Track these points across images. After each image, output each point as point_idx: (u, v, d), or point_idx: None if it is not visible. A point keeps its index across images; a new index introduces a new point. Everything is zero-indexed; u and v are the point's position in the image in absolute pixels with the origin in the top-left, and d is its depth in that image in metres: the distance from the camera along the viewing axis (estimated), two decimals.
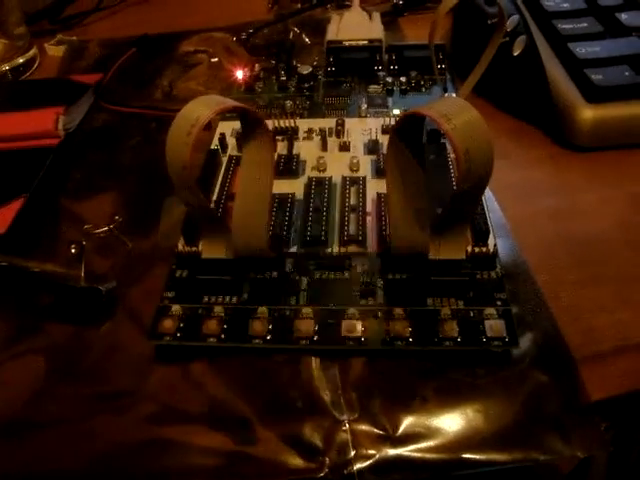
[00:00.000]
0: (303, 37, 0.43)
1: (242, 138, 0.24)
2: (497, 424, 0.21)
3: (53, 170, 0.33)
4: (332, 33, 0.39)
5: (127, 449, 0.21)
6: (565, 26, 0.34)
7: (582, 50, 0.33)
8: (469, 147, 0.18)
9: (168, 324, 0.24)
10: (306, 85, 0.37)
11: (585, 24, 0.35)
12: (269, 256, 0.24)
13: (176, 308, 0.24)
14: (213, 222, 0.24)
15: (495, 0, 0.28)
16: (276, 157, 0.31)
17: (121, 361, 0.24)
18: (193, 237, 0.26)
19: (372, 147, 0.31)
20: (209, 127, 0.35)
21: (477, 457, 0.20)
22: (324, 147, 0.32)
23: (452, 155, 0.29)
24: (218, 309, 0.24)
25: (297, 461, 0.20)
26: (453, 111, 0.19)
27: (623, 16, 0.35)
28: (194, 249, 0.26)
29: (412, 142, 0.21)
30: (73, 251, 0.27)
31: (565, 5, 0.36)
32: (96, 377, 0.24)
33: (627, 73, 0.32)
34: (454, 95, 0.34)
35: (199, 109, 0.20)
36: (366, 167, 0.30)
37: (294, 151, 0.31)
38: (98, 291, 0.26)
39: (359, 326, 0.23)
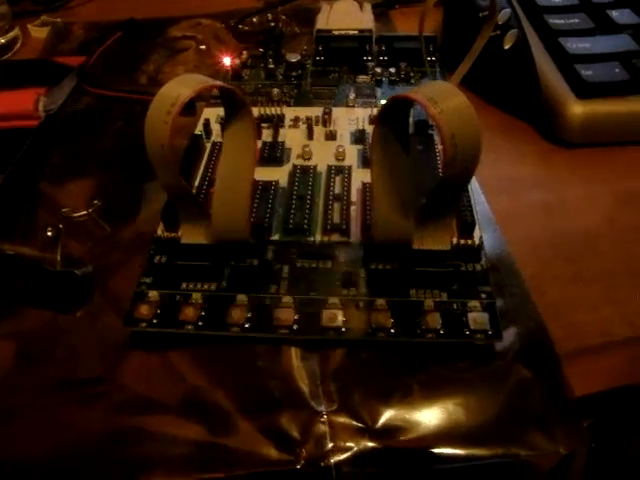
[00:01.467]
0: (293, 26, 0.43)
1: (224, 121, 0.23)
2: (478, 418, 0.21)
3: (32, 152, 0.33)
4: (322, 22, 0.39)
5: (99, 438, 0.21)
6: (556, 21, 0.34)
7: (573, 45, 0.33)
8: (455, 132, 0.18)
9: (144, 310, 0.23)
10: (294, 73, 0.37)
11: (576, 20, 0.34)
12: (249, 242, 0.24)
13: (153, 294, 0.24)
14: (193, 206, 0.23)
15: None
16: (261, 144, 0.30)
17: (96, 348, 0.23)
18: (173, 222, 0.25)
19: (359, 137, 0.31)
20: (194, 113, 0.34)
21: (457, 451, 0.20)
22: (310, 135, 0.31)
23: (439, 146, 0.29)
24: (196, 296, 0.23)
25: (273, 452, 0.20)
26: (440, 95, 0.18)
27: (614, 13, 0.34)
28: (173, 234, 0.25)
29: (398, 129, 0.21)
30: (49, 234, 0.27)
31: (557, 0, 0.36)
32: (69, 364, 0.23)
33: (617, 70, 0.31)
34: None
35: (180, 88, 0.20)
36: (352, 156, 0.30)
37: (279, 139, 0.31)
38: (74, 275, 0.25)
39: (340, 316, 0.22)
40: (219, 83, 0.21)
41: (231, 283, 0.24)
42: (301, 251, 0.25)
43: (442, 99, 0.18)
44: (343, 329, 0.22)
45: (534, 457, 0.20)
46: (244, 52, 0.39)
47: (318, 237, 0.25)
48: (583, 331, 0.23)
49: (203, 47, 0.42)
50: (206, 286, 0.24)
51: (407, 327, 0.22)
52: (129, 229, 0.28)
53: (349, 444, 0.20)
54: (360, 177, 0.28)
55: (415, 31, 0.31)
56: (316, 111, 0.33)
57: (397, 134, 0.21)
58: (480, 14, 0.34)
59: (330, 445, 0.20)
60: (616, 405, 0.23)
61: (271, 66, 0.37)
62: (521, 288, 0.24)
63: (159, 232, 0.26)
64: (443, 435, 0.20)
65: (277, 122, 0.32)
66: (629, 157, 0.31)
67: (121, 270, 0.26)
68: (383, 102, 0.34)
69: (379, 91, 0.35)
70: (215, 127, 0.32)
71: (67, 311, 0.25)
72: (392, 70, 0.36)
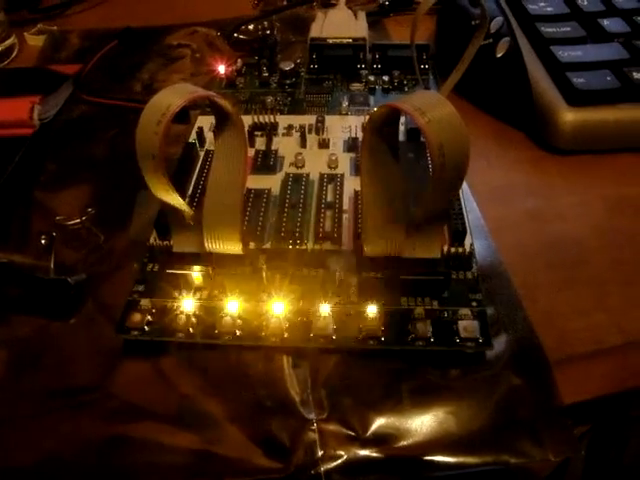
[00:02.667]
0: (288, 34, 0.43)
1: (215, 131, 0.23)
2: (469, 426, 0.21)
3: (26, 160, 0.33)
4: (316, 30, 0.39)
5: (89, 446, 0.21)
6: (548, 30, 0.34)
7: (565, 54, 0.33)
8: (444, 141, 0.18)
9: (136, 318, 0.23)
10: (288, 82, 0.37)
11: (568, 28, 0.35)
12: (241, 250, 0.24)
13: (145, 302, 0.24)
14: (184, 215, 0.23)
15: (479, 1, 0.28)
16: (254, 153, 0.31)
17: (88, 356, 0.23)
18: (166, 231, 0.25)
19: (352, 145, 0.31)
20: (188, 121, 0.34)
21: (447, 459, 0.20)
22: (303, 144, 0.31)
23: None
24: (188, 304, 0.23)
25: (263, 460, 0.20)
26: (428, 105, 0.18)
27: (605, 22, 0.35)
28: (166, 243, 0.25)
29: (387, 138, 0.21)
30: (43, 242, 0.27)
31: (549, 9, 0.36)
32: (61, 372, 0.23)
33: (609, 78, 0.32)
34: None
35: (170, 98, 0.20)
36: (345, 164, 0.30)
37: (273, 147, 0.31)
38: (66, 283, 0.25)
39: (331, 324, 0.22)
40: (210, 93, 0.21)
41: (223, 291, 0.24)
42: (293, 259, 0.25)
43: (430, 109, 0.18)
44: (334, 337, 0.22)
45: (524, 464, 0.20)
46: (239, 60, 0.39)
47: (310, 245, 0.25)
48: (574, 338, 0.23)
49: (198, 55, 0.42)
50: (198, 294, 0.24)
51: (398, 335, 0.22)
52: (123, 237, 0.28)
53: (339, 452, 0.20)
54: (352, 185, 0.28)
55: (409, 39, 0.31)
56: (309, 119, 0.33)
57: (387, 142, 0.21)
58: (472, 22, 0.34)
59: (320, 453, 0.20)
60: (610, 412, 0.23)
61: (265, 74, 0.37)
62: (512, 296, 0.24)
63: (152, 240, 0.26)
64: (433, 443, 0.20)
65: (270, 130, 0.32)
66: (620, 164, 0.31)
67: (114, 278, 0.26)
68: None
69: (372, 99, 0.35)
70: (209, 135, 0.32)
71: (60, 319, 0.25)
72: (385, 78, 0.36)
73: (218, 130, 0.23)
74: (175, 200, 0.22)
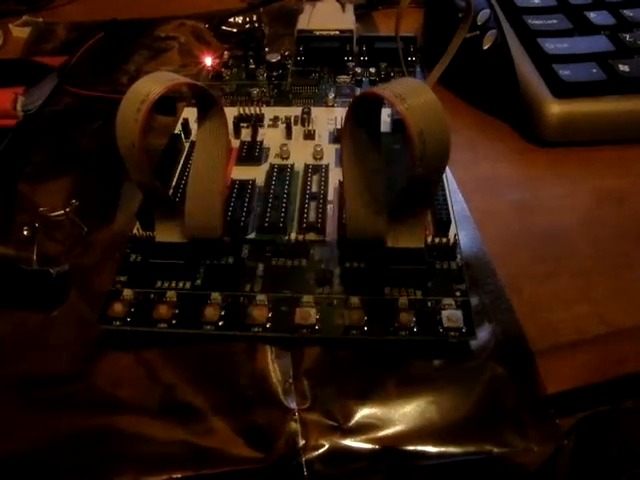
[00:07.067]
0: (275, 27, 0.43)
1: (198, 119, 0.23)
2: (452, 416, 0.21)
3: (10, 151, 0.32)
4: (303, 22, 0.39)
5: (69, 438, 0.21)
6: (535, 22, 0.34)
7: (551, 46, 0.33)
8: (424, 128, 0.18)
9: (118, 308, 0.23)
10: (275, 74, 0.37)
11: (555, 21, 0.35)
12: (224, 240, 0.24)
13: (127, 292, 0.24)
14: (166, 205, 0.23)
15: None
16: (239, 144, 0.30)
17: (70, 347, 0.23)
18: (149, 221, 0.25)
19: (337, 136, 0.31)
20: (174, 112, 0.34)
21: (430, 449, 0.20)
22: (289, 135, 0.31)
23: None
24: (170, 294, 0.23)
25: (244, 450, 0.20)
26: (408, 92, 0.18)
27: (592, 15, 0.35)
28: (149, 233, 0.25)
29: (369, 125, 0.21)
30: (25, 233, 0.27)
31: (536, 1, 0.36)
32: (42, 363, 0.23)
33: (595, 70, 0.32)
34: None
35: (150, 85, 0.20)
36: (330, 156, 0.30)
37: (258, 138, 0.31)
38: (48, 274, 0.25)
39: (314, 314, 0.22)
40: (190, 81, 0.21)
41: (206, 281, 0.24)
42: (276, 249, 0.25)
43: (410, 96, 0.18)
44: (317, 327, 0.22)
45: (508, 454, 0.20)
46: (226, 52, 0.39)
47: (293, 235, 0.25)
48: (558, 329, 0.23)
49: (185, 48, 0.42)
50: (181, 284, 0.24)
51: (381, 325, 0.22)
52: (107, 228, 0.28)
53: (321, 442, 0.20)
54: (337, 176, 0.28)
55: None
56: (295, 111, 0.33)
57: (368, 130, 0.21)
58: (459, 14, 0.34)
59: (302, 443, 0.20)
60: (597, 403, 0.23)
61: (252, 66, 0.37)
62: (497, 286, 0.24)
63: (135, 231, 0.25)
64: (416, 433, 0.20)
65: (256, 121, 0.32)
66: (606, 156, 0.31)
67: (98, 270, 0.26)
68: None
69: (359, 91, 0.35)
70: (194, 127, 0.32)
71: (42, 310, 0.25)
72: (372, 70, 0.36)
73: (200, 119, 0.23)
74: (156, 189, 0.22)
